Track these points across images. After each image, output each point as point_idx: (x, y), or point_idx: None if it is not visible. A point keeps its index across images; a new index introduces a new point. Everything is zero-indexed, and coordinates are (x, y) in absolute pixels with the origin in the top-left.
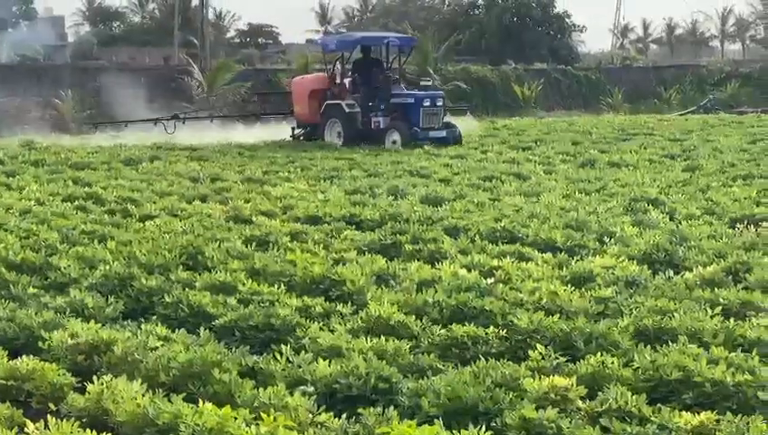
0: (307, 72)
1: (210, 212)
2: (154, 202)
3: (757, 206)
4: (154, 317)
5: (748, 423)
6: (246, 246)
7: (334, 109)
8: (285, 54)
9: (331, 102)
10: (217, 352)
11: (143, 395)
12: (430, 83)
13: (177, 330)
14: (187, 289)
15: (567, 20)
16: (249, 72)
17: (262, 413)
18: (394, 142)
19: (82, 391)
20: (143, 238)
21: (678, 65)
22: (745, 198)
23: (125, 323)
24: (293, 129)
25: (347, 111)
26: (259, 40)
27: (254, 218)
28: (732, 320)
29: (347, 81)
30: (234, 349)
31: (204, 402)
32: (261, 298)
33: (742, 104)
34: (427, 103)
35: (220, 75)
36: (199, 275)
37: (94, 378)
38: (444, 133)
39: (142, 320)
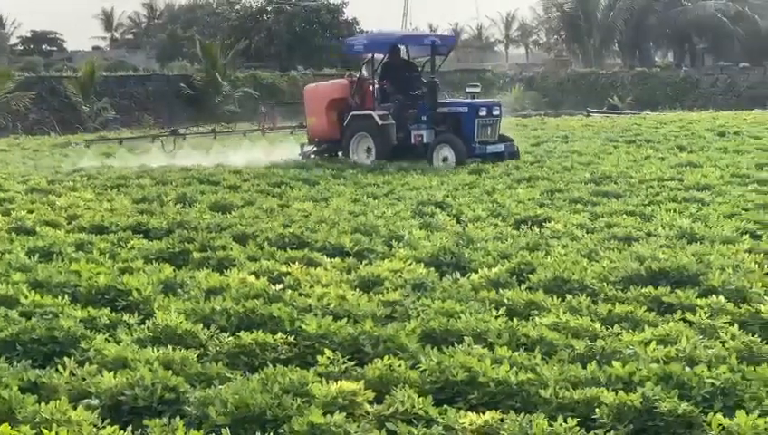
0: (93, 78)
1: None
2: None
3: (540, 207)
4: None
5: (531, 421)
6: (29, 258)
7: (363, 121)
8: (71, 61)
9: (359, 114)
10: None
11: None
12: (478, 90)
13: None
14: None
15: (356, 26)
16: (33, 79)
17: (43, 429)
18: (445, 159)
19: None
20: None
21: (465, 69)
22: (529, 200)
23: None
24: (302, 145)
25: (380, 123)
26: (43, 47)
27: (37, 229)
28: (516, 320)
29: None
30: (15, 363)
31: None
32: (44, 310)
33: (526, 107)
34: (483, 113)
35: (0, 83)
36: None
37: None
38: (501, 148)
39: None
